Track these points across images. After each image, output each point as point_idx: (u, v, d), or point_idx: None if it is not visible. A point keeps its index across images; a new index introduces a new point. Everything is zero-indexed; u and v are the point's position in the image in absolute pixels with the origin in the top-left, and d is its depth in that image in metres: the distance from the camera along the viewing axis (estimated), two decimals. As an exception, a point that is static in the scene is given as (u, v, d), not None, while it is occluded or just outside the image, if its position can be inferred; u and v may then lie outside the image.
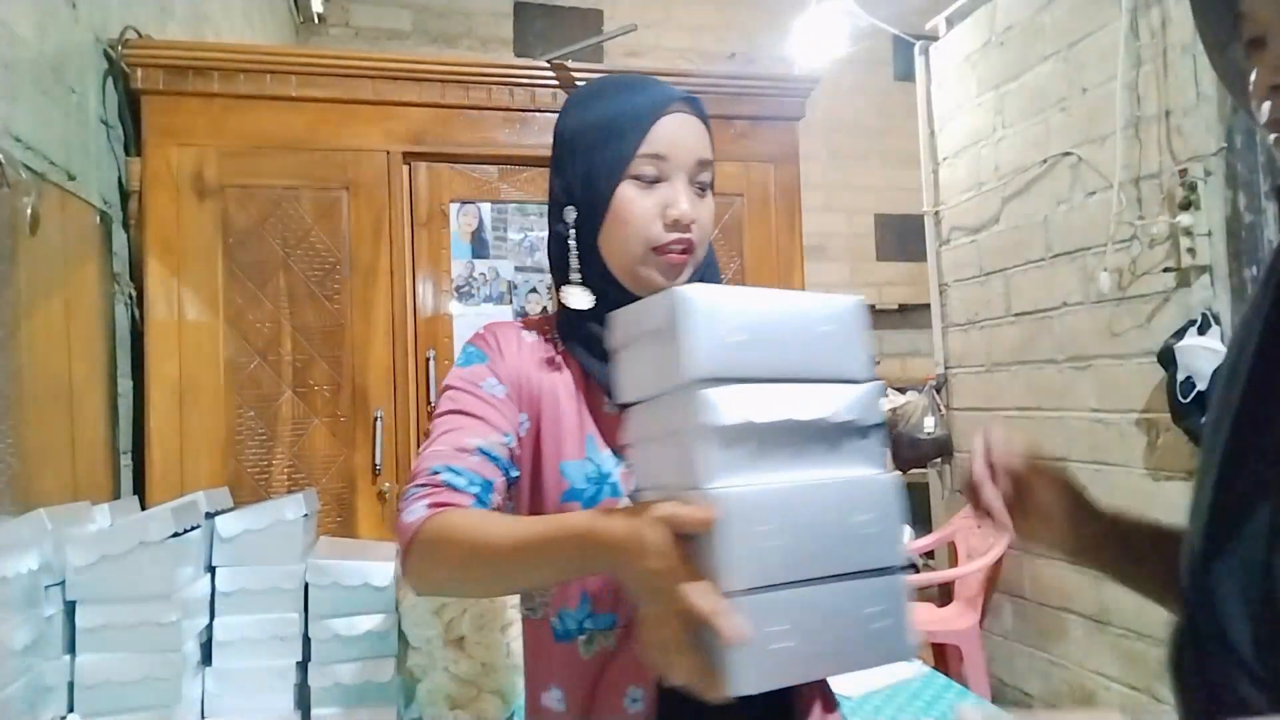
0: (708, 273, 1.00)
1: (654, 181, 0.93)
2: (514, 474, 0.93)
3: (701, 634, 0.66)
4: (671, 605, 0.65)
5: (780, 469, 0.73)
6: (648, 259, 0.93)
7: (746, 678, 0.66)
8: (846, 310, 0.80)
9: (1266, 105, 0.70)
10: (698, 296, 0.73)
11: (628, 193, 0.93)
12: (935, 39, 3.57)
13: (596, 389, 0.95)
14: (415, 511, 0.84)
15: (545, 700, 0.92)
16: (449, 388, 0.95)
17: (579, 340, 0.97)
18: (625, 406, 0.84)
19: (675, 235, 0.92)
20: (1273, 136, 0.70)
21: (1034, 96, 2.96)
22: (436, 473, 0.87)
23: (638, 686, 0.87)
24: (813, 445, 0.75)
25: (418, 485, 0.87)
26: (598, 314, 0.95)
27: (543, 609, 0.94)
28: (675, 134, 0.94)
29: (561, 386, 0.96)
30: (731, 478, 0.70)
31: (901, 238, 5.59)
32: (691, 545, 0.68)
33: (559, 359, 0.98)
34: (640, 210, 0.93)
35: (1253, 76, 0.71)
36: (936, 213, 3.56)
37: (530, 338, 1.00)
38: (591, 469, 0.92)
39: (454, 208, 2.19)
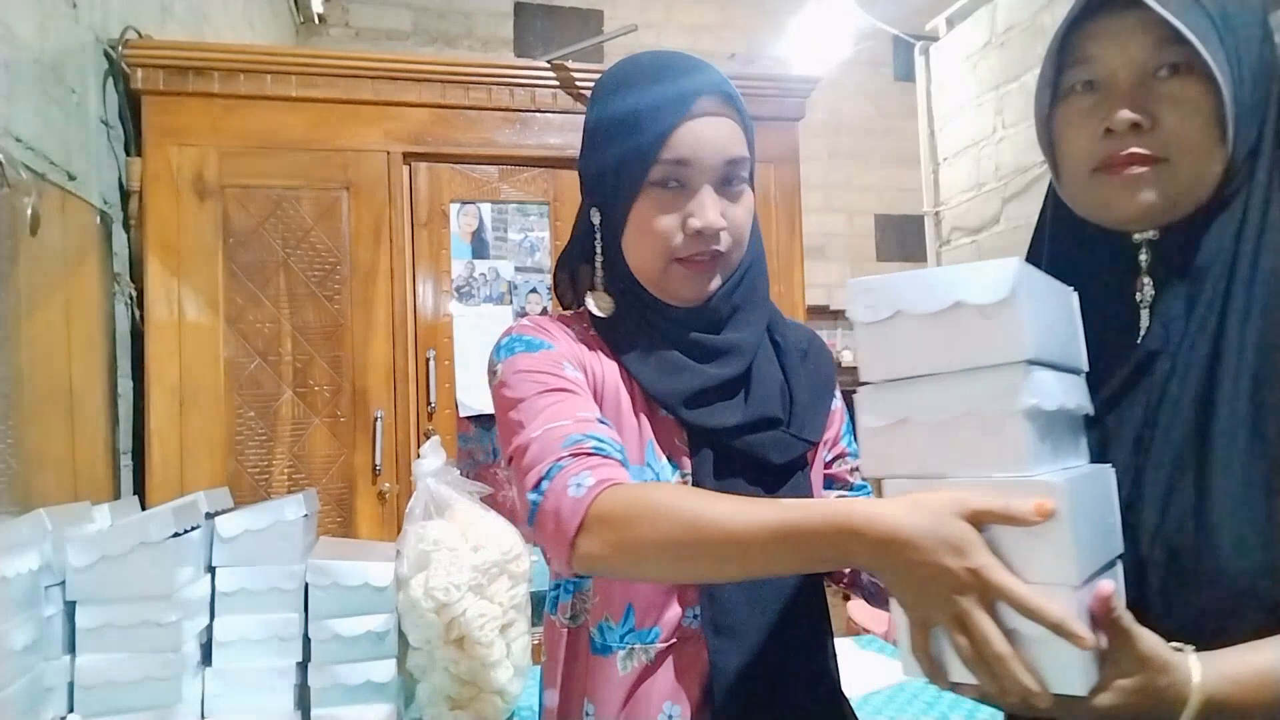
0: (752, 271, 0.92)
1: (679, 187, 0.86)
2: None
3: (1015, 638, 0.61)
4: (979, 608, 0.60)
5: (1060, 458, 0.70)
6: (670, 269, 0.88)
7: (1087, 679, 0.62)
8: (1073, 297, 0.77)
9: (1099, 147, 0.76)
10: (1032, 270, 0.68)
11: (648, 202, 0.87)
12: (935, 39, 3.57)
13: (642, 392, 0.90)
14: (583, 483, 0.74)
15: (575, 712, 0.89)
16: (522, 372, 0.85)
17: (632, 342, 0.91)
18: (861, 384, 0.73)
19: (700, 247, 0.86)
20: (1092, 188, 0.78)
21: (1034, 96, 2.96)
22: (578, 441, 0.77)
23: (675, 704, 0.84)
24: (1066, 434, 0.72)
25: (564, 458, 0.76)
26: (628, 316, 0.91)
27: (583, 617, 0.89)
28: (700, 136, 0.86)
29: (614, 386, 0.90)
30: (1044, 465, 0.66)
31: (901, 238, 5.59)
32: (995, 539, 0.62)
33: (605, 356, 0.92)
34: (661, 223, 0.86)
35: (1078, 124, 0.78)
36: (936, 213, 3.56)
37: (574, 332, 0.94)
38: (649, 476, 0.87)
39: (454, 208, 2.19)
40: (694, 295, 0.88)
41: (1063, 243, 0.83)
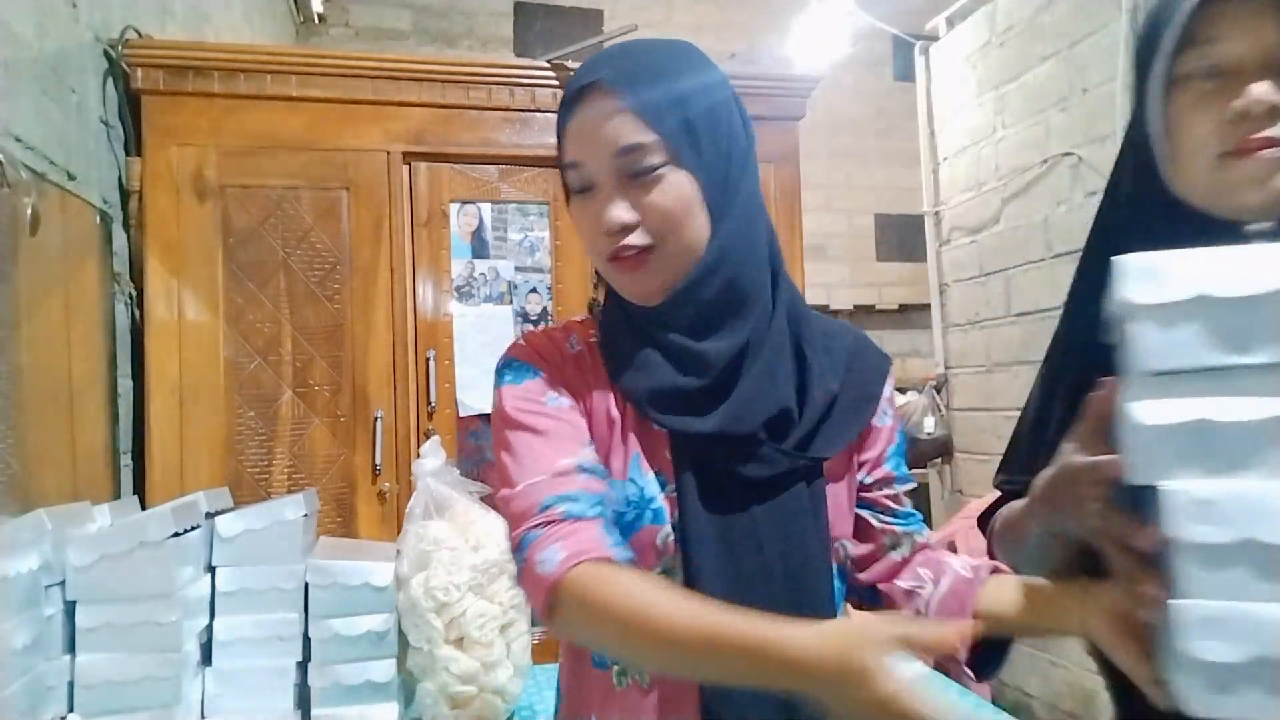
0: (725, 265, 0.84)
1: (590, 189, 0.83)
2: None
3: None
4: None
5: None
6: (608, 270, 0.85)
7: None
8: None
9: (1228, 131, 0.73)
10: None
11: (574, 207, 0.86)
12: (935, 39, 3.57)
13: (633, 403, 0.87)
14: (550, 560, 0.75)
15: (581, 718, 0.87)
16: (506, 412, 0.85)
17: (615, 341, 0.89)
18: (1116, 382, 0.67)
19: (615, 244, 0.82)
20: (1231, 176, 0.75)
21: (1034, 96, 2.96)
22: (549, 506, 0.78)
23: None
24: None
25: (535, 527, 0.77)
26: (612, 314, 0.89)
27: None
28: (582, 135, 0.83)
29: (601, 398, 0.87)
30: None
31: (901, 238, 5.59)
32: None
33: (600, 366, 0.89)
34: (584, 227, 0.85)
35: (1207, 110, 0.74)
36: (936, 213, 3.56)
37: (571, 345, 0.91)
38: (633, 491, 0.84)
39: (454, 208, 2.19)
40: (638, 292, 0.85)
41: (1160, 236, 0.79)
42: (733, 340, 0.84)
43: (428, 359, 2.11)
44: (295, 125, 2.07)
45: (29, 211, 1.45)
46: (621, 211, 0.81)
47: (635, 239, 0.82)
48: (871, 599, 0.96)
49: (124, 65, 1.93)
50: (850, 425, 0.90)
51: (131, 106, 1.99)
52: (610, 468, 0.85)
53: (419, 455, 1.55)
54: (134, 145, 1.99)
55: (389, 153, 2.12)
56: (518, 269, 2.23)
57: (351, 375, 2.05)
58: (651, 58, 0.84)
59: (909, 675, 0.60)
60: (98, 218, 1.81)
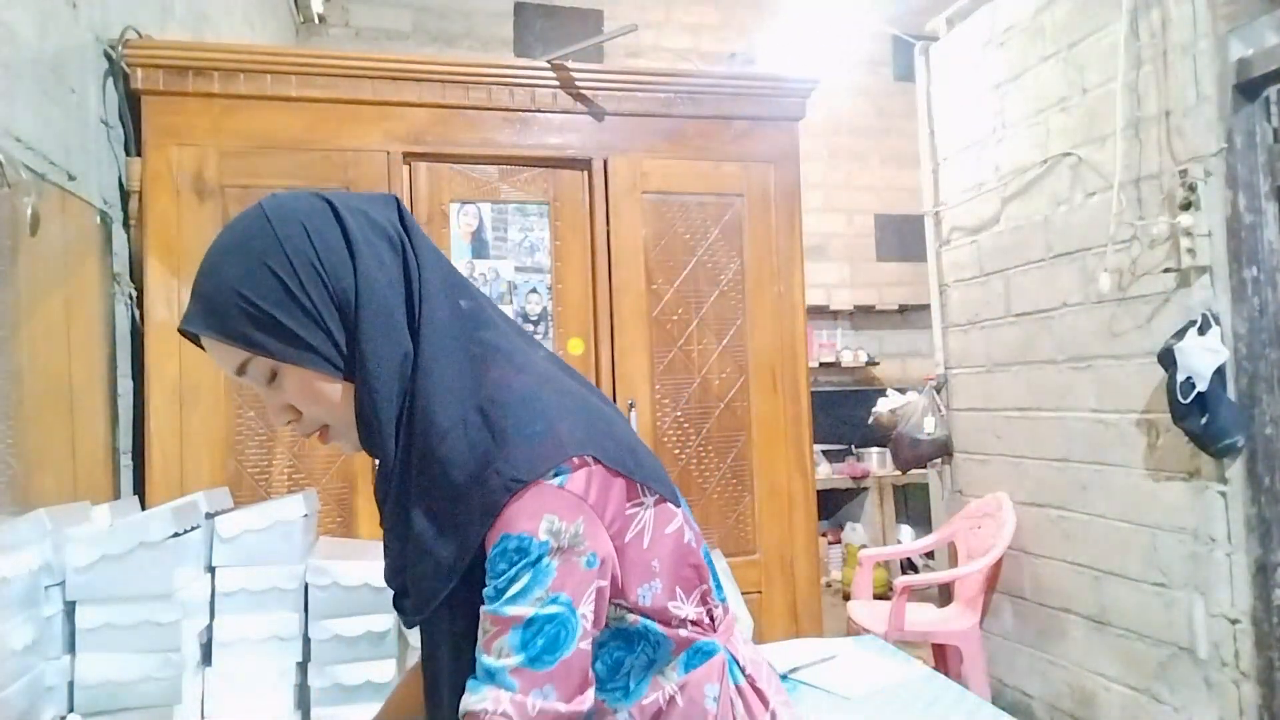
0: (360, 416, 0.84)
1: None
2: None
3: None
4: None
5: None
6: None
7: None
8: None
9: None
10: None
11: None
12: (935, 39, 3.57)
13: None
14: None
15: None
16: (552, 559, 0.77)
17: None
18: None
19: (304, 431, 0.88)
20: None
21: (1034, 97, 2.96)
22: None
23: None
24: None
25: None
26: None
27: None
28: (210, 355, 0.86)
29: None
30: None
31: (901, 238, 5.59)
32: None
33: None
34: None
35: None
36: (936, 213, 3.56)
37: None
38: None
39: (454, 208, 2.19)
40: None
41: None
42: (383, 489, 0.90)
43: (428, 359, 2.11)
44: (295, 125, 2.07)
45: (29, 211, 1.45)
46: (278, 413, 0.86)
47: (308, 425, 0.87)
48: None
49: (124, 65, 1.93)
50: (443, 584, 0.82)
51: (131, 106, 1.99)
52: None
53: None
54: (134, 145, 1.99)
55: (389, 153, 2.12)
56: (518, 269, 2.23)
57: (351, 375, 2.05)
58: (206, 280, 0.83)
59: None
60: (98, 218, 1.81)
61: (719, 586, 0.95)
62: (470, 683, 0.78)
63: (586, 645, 0.79)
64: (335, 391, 0.84)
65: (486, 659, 0.77)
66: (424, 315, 0.85)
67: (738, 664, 0.91)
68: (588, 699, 0.79)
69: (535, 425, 0.80)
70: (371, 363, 0.83)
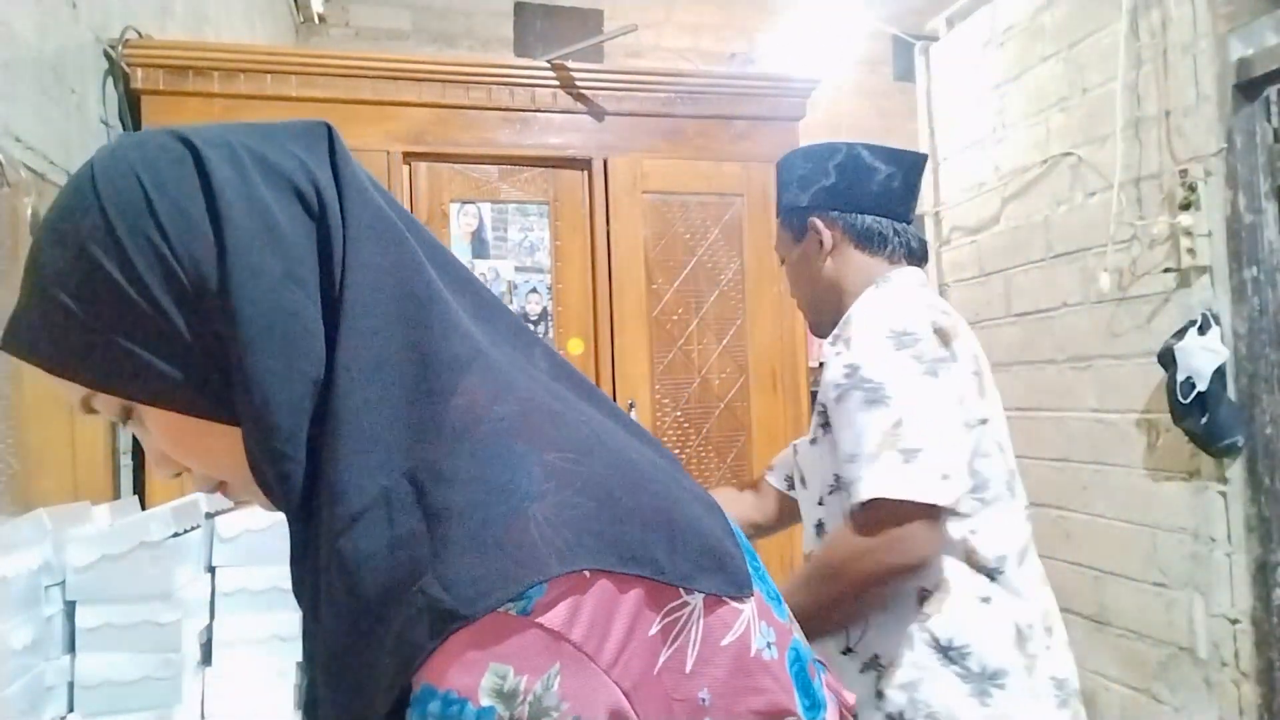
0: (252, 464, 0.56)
1: None
2: None
3: None
4: None
5: None
6: None
7: None
8: None
9: None
10: None
11: None
12: (935, 39, 3.57)
13: None
14: None
15: None
16: None
17: None
18: None
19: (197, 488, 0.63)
20: None
21: (1034, 96, 2.96)
22: None
23: None
24: None
25: None
26: None
27: None
28: None
29: None
30: None
31: (901, 238, 5.59)
32: None
33: None
34: None
35: None
36: (937, 213, 3.56)
37: None
38: None
39: (454, 208, 2.19)
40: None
41: None
42: (296, 588, 0.65)
43: (428, 359, 2.11)
44: (295, 125, 2.07)
45: (29, 211, 1.45)
46: (156, 463, 0.61)
47: (199, 480, 0.62)
48: None
49: (124, 65, 1.93)
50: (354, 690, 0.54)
51: (131, 106, 1.99)
52: None
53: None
54: (134, 145, 1.99)
55: (389, 153, 2.12)
56: (518, 269, 2.23)
57: (351, 375, 2.05)
58: (24, 279, 0.56)
59: None
60: (98, 218, 1.81)
61: (814, 704, 0.61)
62: None
63: None
64: (214, 436, 0.57)
65: None
66: (345, 317, 0.54)
67: None
68: None
69: (495, 510, 0.50)
70: (254, 396, 0.53)
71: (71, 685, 1.28)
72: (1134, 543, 2.55)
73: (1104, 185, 2.63)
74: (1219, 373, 2.20)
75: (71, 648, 1.28)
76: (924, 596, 1.11)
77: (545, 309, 2.24)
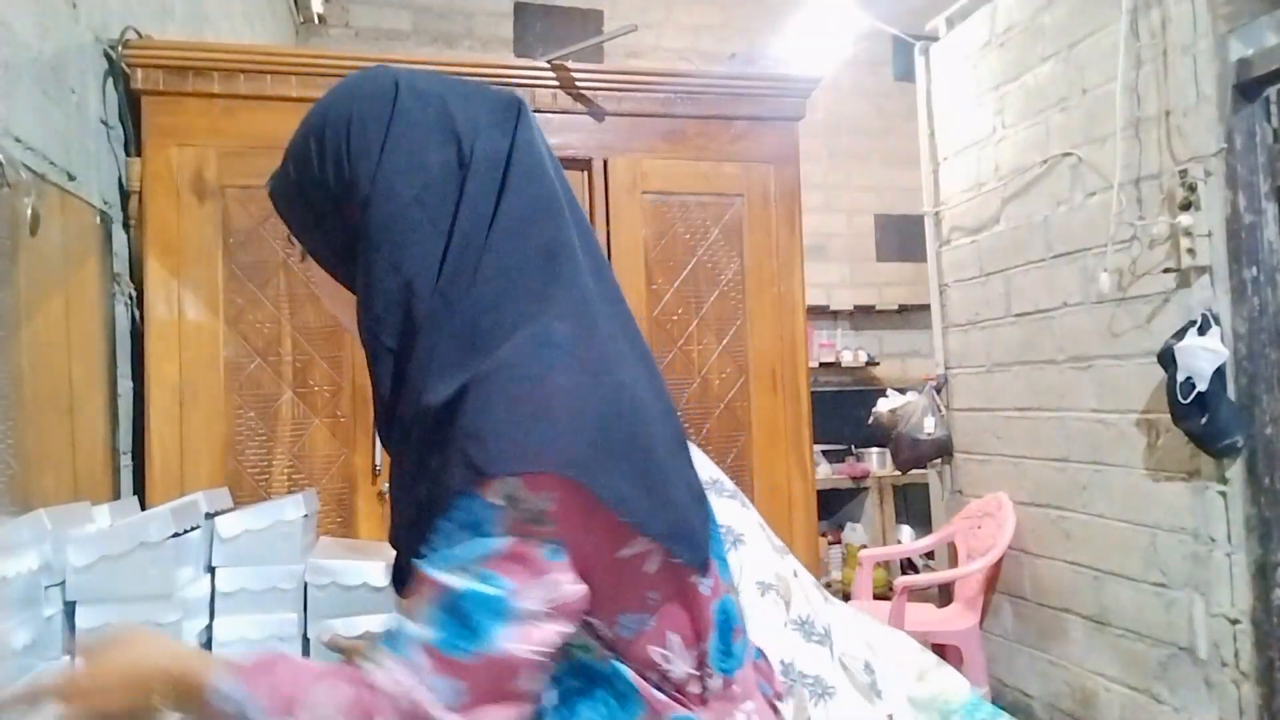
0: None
1: None
2: None
3: None
4: None
5: None
6: None
7: None
8: None
9: None
10: None
11: None
12: (935, 39, 3.57)
13: None
14: None
15: None
16: (500, 530, 0.65)
17: None
18: None
19: None
20: None
21: (1034, 97, 2.96)
22: None
23: None
24: None
25: None
26: None
27: None
28: None
29: None
30: None
31: (901, 238, 5.59)
32: None
33: None
34: None
35: None
36: (936, 213, 3.56)
37: None
38: None
39: (454, 208, 2.19)
40: None
41: None
42: (383, 440, 0.80)
43: (428, 359, 2.11)
44: (295, 125, 2.06)
45: (29, 211, 1.45)
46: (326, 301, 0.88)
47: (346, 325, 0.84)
48: None
49: (124, 66, 1.93)
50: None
51: (131, 107, 1.99)
52: None
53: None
54: (134, 145, 1.99)
55: (389, 153, 2.12)
56: (518, 269, 2.23)
57: (351, 375, 2.05)
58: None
59: None
60: (98, 218, 1.81)
61: (728, 654, 0.75)
62: (382, 642, 0.64)
63: (524, 652, 0.62)
64: (344, 298, 0.77)
65: (404, 622, 0.63)
66: (456, 244, 0.70)
67: None
68: None
69: (521, 411, 0.64)
70: (363, 280, 0.72)
71: (71, 685, 1.28)
72: (1134, 543, 2.55)
73: (1104, 185, 2.63)
74: (1219, 373, 2.20)
75: (72, 648, 1.28)
76: None
77: (545, 309, 2.24)
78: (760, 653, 0.86)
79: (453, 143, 0.73)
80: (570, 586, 0.63)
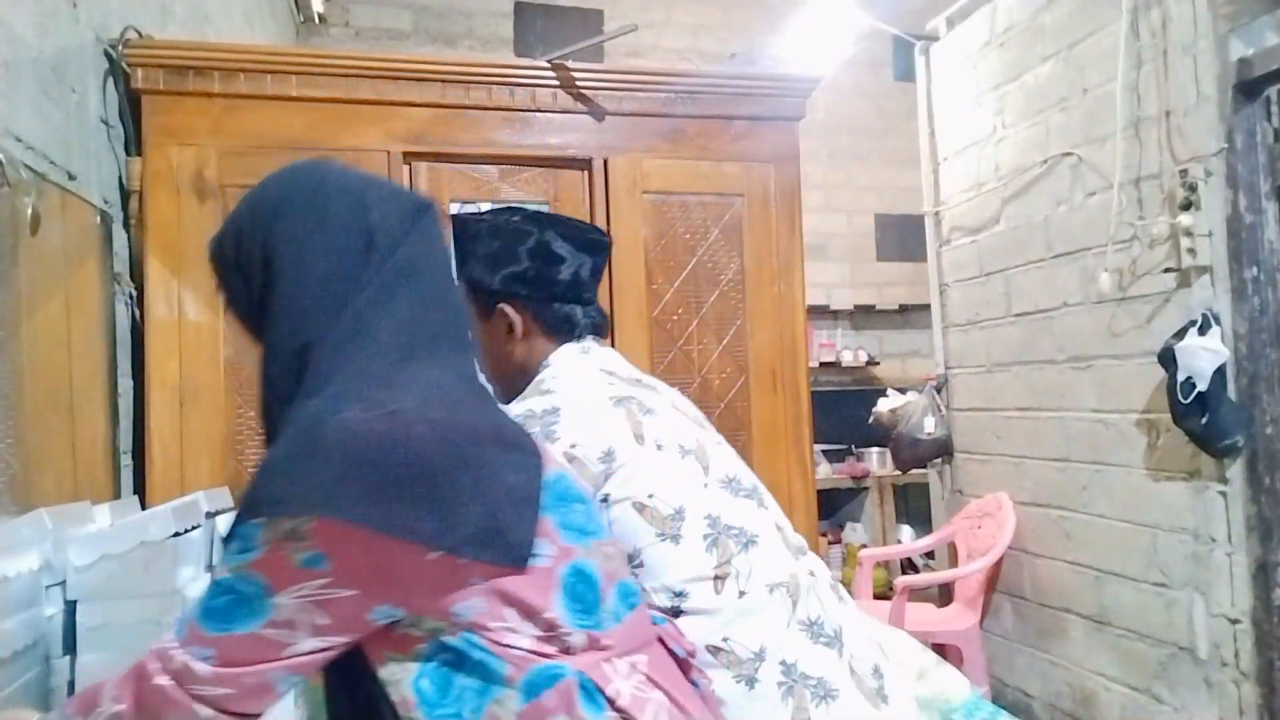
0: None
1: None
2: None
3: None
4: None
5: None
6: None
7: None
8: None
9: None
10: None
11: None
12: (935, 39, 3.57)
13: None
14: None
15: None
16: (258, 544, 0.79)
17: None
18: None
19: None
20: None
21: (1034, 97, 2.96)
22: None
23: None
24: None
25: None
26: None
27: None
28: None
29: None
30: None
31: (901, 238, 5.59)
32: None
33: None
34: None
35: None
36: (936, 213, 3.56)
37: None
38: None
39: (454, 208, 2.19)
40: None
41: None
42: None
43: (428, 359, 2.11)
44: (295, 125, 2.07)
45: (29, 211, 1.45)
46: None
47: None
48: None
49: (124, 65, 1.93)
50: None
51: (132, 106, 1.99)
52: None
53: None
54: (134, 145, 1.99)
55: (389, 153, 2.12)
56: (518, 269, 2.23)
57: (351, 375, 2.05)
58: None
59: None
60: (98, 218, 1.81)
61: (588, 612, 0.82)
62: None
63: (278, 637, 0.74)
64: (251, 347, 0.88)
65: (188, 607, 0.80)
66: (346, 324, 0.82)
67: (602, 694, 0.79)
68: (250, 695, 0.75)
69: (309, 440, 0.75)
70: (269, 341, 0.84)
71: (71, 685, 1.28)
72: (1134, 543, 2.55)
73: (1104, 185, 2.62)
74: (1219, 373, 2.20)
75: (72, 648, 1.28)
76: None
77: (545, 309, 2.24)
78: (664, 619, 0.96)
79: (363, 235, 0.84)
80: (347, 592, 0.73)
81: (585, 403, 1.15)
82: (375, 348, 0.81)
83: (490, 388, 0.93)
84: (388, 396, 0.78)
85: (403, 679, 0.77)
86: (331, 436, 0.74)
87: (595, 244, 1.32)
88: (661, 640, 0.92)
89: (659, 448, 1.13)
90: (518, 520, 0.79)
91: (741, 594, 1.06)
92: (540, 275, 1.27)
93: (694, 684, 0.94)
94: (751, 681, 1.02)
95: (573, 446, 1.08)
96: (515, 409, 1.15)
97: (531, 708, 0.76)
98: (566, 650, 0.79)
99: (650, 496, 1.09)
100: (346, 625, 0.75)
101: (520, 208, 1.36)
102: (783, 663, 1.03)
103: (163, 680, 0.74)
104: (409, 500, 0.74)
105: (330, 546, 0.73)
